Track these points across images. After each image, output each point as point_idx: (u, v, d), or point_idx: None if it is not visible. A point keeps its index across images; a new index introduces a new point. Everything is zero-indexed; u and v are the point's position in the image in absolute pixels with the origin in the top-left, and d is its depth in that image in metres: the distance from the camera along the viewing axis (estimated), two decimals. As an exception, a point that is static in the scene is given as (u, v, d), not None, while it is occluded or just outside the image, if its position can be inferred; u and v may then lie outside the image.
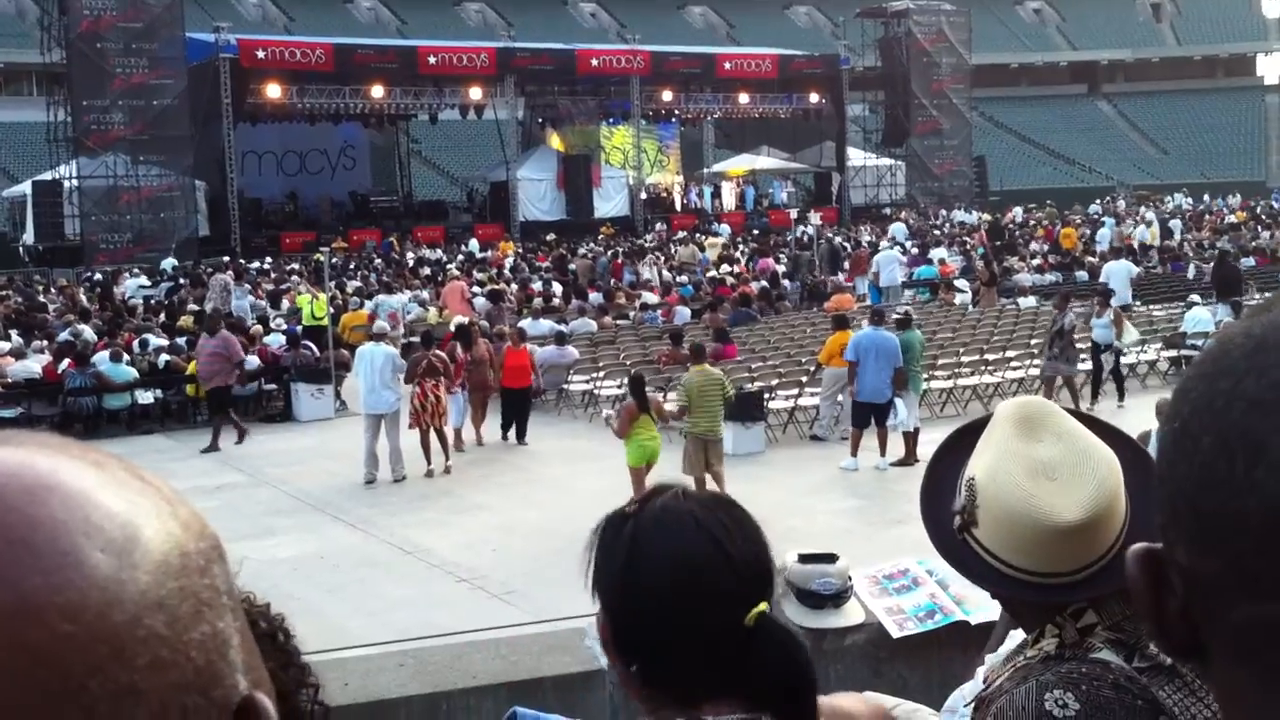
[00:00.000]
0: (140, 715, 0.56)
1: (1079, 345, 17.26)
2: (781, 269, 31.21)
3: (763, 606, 1.55)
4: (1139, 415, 11.88)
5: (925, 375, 16.59)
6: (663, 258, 34.39)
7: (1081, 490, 1.73)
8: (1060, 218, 44.90)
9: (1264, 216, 42.10)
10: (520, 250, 38.03)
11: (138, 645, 0.57)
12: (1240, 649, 0.65)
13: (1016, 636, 1.91)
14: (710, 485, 12.83)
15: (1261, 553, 0.62)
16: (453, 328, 18.84)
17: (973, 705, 1.85)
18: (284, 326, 21.94)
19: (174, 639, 0.59)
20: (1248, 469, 0.63)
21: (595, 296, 25.79)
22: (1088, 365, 17.67)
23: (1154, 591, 0.71)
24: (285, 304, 25.86)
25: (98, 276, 32.76)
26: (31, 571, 0.55)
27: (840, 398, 15.99)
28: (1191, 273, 28.92)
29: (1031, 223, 43.88)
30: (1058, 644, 1.72)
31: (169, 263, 34.09)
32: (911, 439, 14.88)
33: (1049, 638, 1.74)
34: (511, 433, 16.62)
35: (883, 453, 14.74)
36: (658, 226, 44.59)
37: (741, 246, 37.14)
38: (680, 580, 1.53)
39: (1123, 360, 18.17)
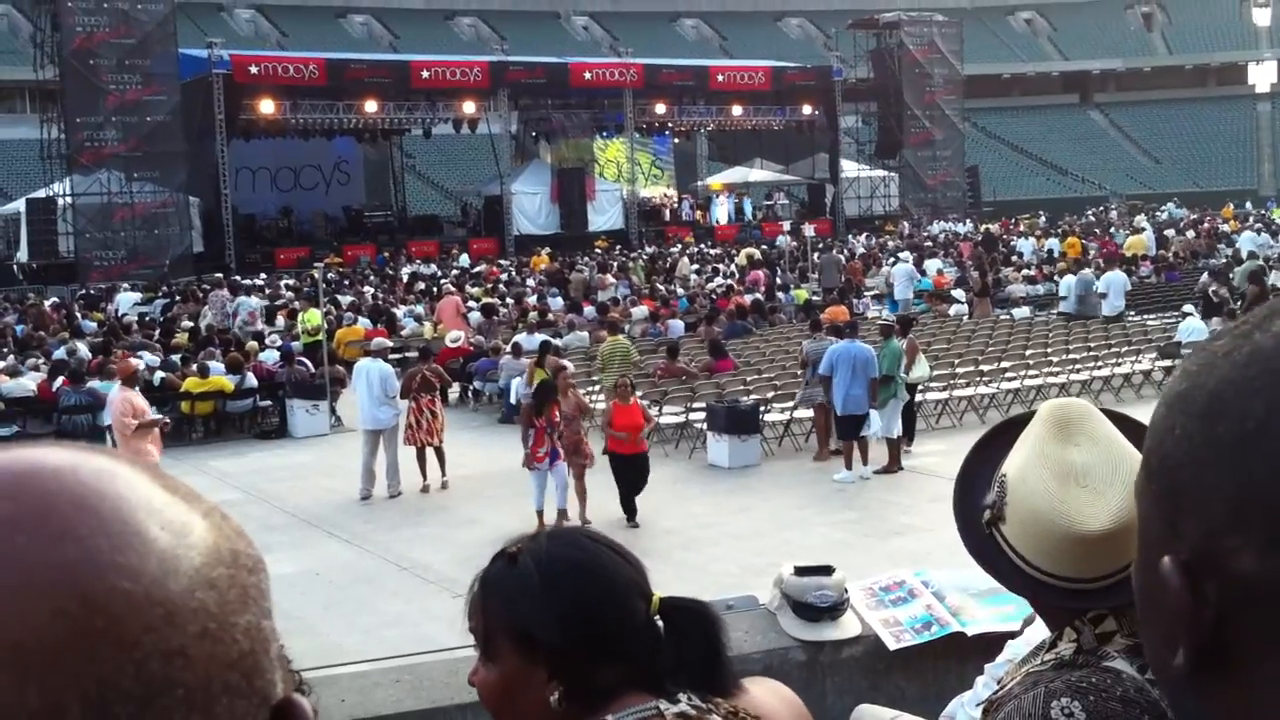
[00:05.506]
0: (187, 679, 0.60)
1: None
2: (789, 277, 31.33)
3: (658, 594, 1.68)
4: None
5: (920, 386, 16.58)
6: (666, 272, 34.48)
7: (1111, 500, 1.72)
8: (1046, 228, 44.92)
9: (1256, 224, 42.13)
10: (515, 262, 38.04)
11: (189, 614, 0.61)
12: None
13: (1032, 640, 1.91)
14: None
15: None
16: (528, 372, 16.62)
17: (981, 709, 1.84)
18: (279, 342, 21.91)
19: (222, 617, 0.63)
20: None
21: (590, 310, 25.79)
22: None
23: (1194, 603, 0.70)
24: (280, 320, 25.83)
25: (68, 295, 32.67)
26: (97, 533, 0.61)
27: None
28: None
29: (1024, 228, 43.89)
30: (1075, 649, 1.72)
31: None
32: (895, 446, 14.95)
33: (1066, 641, 1.73)
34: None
35: (865, 461, 14.83)
36: (691, 243, 43.29)
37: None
38: (599, 585, 1.65)
39: (914, 397, 16.09)
